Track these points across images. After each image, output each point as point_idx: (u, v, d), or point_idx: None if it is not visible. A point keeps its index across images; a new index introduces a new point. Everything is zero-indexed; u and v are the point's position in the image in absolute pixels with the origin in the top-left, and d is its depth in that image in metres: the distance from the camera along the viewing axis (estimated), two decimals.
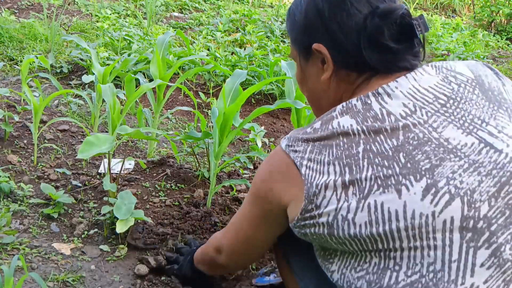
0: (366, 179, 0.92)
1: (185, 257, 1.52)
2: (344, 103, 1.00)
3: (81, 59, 3.20)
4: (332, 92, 1.09)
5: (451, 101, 0.98)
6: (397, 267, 0.92)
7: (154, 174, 2.11)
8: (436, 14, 7.13)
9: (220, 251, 1.30)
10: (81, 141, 2.31)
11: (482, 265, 0.90)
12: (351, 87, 1.06)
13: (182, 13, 5.25)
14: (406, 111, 0.96)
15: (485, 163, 0.93)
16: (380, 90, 0.98)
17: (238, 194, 2.05)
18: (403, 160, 0.92)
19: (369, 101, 0.98)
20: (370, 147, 0.94)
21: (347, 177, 0.93)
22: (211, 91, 3.14)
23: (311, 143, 0.98)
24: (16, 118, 2.32)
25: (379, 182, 0.91)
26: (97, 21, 4.21)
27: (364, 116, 0.97)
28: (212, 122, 1.97)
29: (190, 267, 1.46)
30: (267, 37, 4.35)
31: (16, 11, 4.37)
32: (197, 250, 1.45)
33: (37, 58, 2.70)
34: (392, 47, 0.99)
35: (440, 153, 0.92)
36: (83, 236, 1.69)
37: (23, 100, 2.58)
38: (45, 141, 2.27)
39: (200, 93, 3.04)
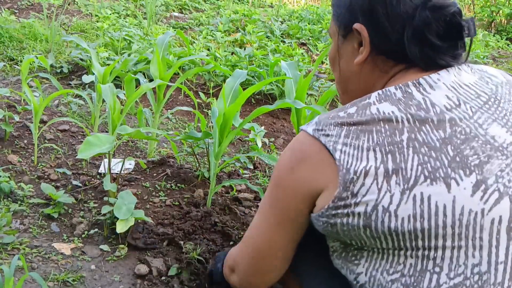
0: (411, 169, 0.87)
1: (215, 263, 1.40)
2: (380, 91, 0.96)
3: (81, 59, 3.20)
4: (364, 78, 1.05)
5: (492, 100, 0.96)
6: (437, 269, 0.87)
7: (154, 174, 2.11)
8: None
9: (234, 270, 1.18)
10: (81, 141, 2.31)
11: None
12: (385, 76, 1.02)
13: (182, 13, 5.25)
14: (450, 103, 0.93)
15: None
16: (421, 80, 0.95)
17: (238, 194, 2.05)
18: (451, 153, 0.88)
19: (409, 90, 0.94)
20: (415, 136, 0.89)
21: (390, 165, 0.88)
22: (211, 91, 3.14)
23: (345, 127, 0.93)
24: (16, 118, 2.32)
25: (426, 174, 0.87)
26: (97, 21, 4.21)
27: (406, 104, 0.92)
28: (212, 122, 1.97)
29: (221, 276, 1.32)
30: (267, 37, 4.35)
31: (16, 11, 4.37)
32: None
33: (37, 58, 2.70)
34: (435, 44, 0.95)
35: (487, 150, 0.90)
36: (83, 236, 1.69)
37: (23, 100, 2.58)
38: (45, 141, 2.27)
39: (200, 93, 3.04)
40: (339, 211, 0.92)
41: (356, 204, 0.90)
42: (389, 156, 0.88)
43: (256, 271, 1.12)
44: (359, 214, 0.90)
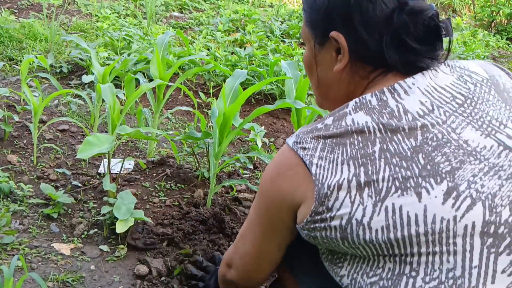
0: (383, 180, 0.88)
1: (210, 276, 1.45)
2: (357, 99, 0.96)
3: (81, 59, 3.19)
4: (344, 84, 1.04)
5: (468, 101, 0.94)
6: (413, 273, 0.88)
7: (154, 174, 2.11)
8: None
9: (230, 266, 1.23)
10: (81, 141, 2.30)
11: (503, 271, 0.87)
12: (365, 81, 1.01)
13: (182, 13, 5.25)
14: (423, 109, 0.92)
15: (505, 166, 0.90)
16: (397, 86, 0.94)
17: (238, 194, 2.05)
18: (422, 162, 0.88)
19: (384, 98, 0.94)
20: (387, 147, 0.89)
21: (362, 178, 0.88)
22: (211, 91, 3.13)
23: (321, 140, 0.93)
24: (16, 118, 2.32)
25: (397, 184, 0.87)
26: (97, 21, 4.21)
27: (380, 113, 0.92)
28: (212, 122, 1.96)
29: None
30: (267, 37, 4.35)
31: (16, 11, 4.36)
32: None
33: (36, 58, 2.69)
34: (414, 48, 0.95)
35: (460, 156, 0.89)
36: (82, 236, 1.69)
37: (23, 100, 2.58)
38: (45, 141, 2.27)
39: (200, 93, 3.03)
40: (317, 225, 0.94)
41: (332, 218, 0.91)
42: (362, 168, 0.89)
43: (249, 271, 1.19)
44: (335, 227, 0.91)
